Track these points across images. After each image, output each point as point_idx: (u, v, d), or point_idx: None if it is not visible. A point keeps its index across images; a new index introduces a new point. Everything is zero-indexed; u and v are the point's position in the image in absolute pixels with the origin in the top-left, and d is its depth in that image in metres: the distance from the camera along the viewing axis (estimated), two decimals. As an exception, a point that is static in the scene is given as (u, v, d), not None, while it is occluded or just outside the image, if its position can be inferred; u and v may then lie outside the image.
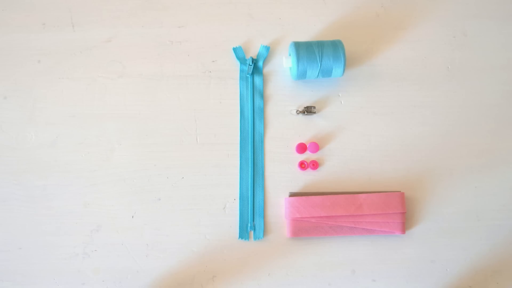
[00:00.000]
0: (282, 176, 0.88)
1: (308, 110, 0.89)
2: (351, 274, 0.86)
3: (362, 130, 0.89)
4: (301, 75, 0.86)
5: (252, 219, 0.86)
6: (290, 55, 0.89)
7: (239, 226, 0.86)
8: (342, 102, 0.90)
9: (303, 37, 0.91)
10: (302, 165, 0.87)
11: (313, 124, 0.89)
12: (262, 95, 0.90)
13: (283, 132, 0.89)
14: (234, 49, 0.91)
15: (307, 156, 0.88)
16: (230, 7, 0.93)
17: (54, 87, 0.89)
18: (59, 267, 0.85)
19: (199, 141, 0.88)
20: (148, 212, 0.86)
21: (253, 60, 0.90)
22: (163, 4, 0.92)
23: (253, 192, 0.87)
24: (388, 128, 0.89)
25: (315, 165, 0.87)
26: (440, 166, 0.88)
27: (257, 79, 0.90)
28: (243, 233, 0.86)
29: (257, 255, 0.86)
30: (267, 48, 0.91)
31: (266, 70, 0.91)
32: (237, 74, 0.90)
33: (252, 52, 0.91)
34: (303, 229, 0.85)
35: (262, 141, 0.89)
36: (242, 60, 0.90)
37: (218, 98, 0.90)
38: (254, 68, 0.90)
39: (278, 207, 0.87)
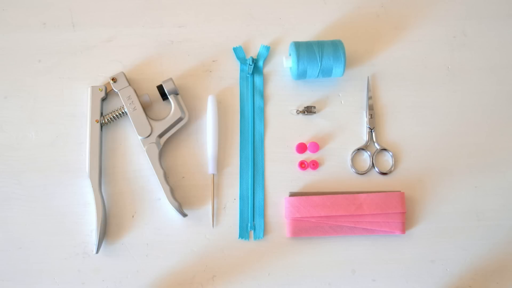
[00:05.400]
0: (282, 176, 0.88)
1: (308, 110, 0.89)
2: (351, 274, 0.85)
3: (362, 130, 0.89)
4: (301, 75, 0.86)
5: (252, 219, 0.86)
6: (290, 55, 0.89)
7: (239, 226, 0.86)
8: (342, 102, 0.90)
9: (303, 37, 0.91)
10: (302, 165, 0.87)
11: (313, 124, 0.89)
12: (262, 95, 0.90)
13: (283, 132, 0.89)
14: (234, 49, 0.91)
15: (307, 156, 0.88)
16: (230, 7, 0.93)
17: (54, 87, 0.89)
18: (59, 267, 0.85)
19: (198, 141, 0.88)
20: (148, 212, 0.86)
21: (253, 60, 0.90)
22: (163, 4, 0.92)
23: (253, 192, 0.87)
24: (389, 128, 0.89)
25: (315, 165, 0.87)
26: (440, 166, 0.88)
27: (257, 79, 0.90)
28: (243, 233, 0.86)
29: (257, 255, 0.86)
30: (267, 48, 0.91)
31: (266, 70, 0.91)
32: (237, 74, 0.90)
33: (252, 52, 0.91)
34: (303, 229, 0.85)
35: (262, 141, 0.89)
36: (242, 60, 0.90)
37: (218, 98, 0.89)
38: (254, 68, 0.90)
39: (278, 207, 0.87)
